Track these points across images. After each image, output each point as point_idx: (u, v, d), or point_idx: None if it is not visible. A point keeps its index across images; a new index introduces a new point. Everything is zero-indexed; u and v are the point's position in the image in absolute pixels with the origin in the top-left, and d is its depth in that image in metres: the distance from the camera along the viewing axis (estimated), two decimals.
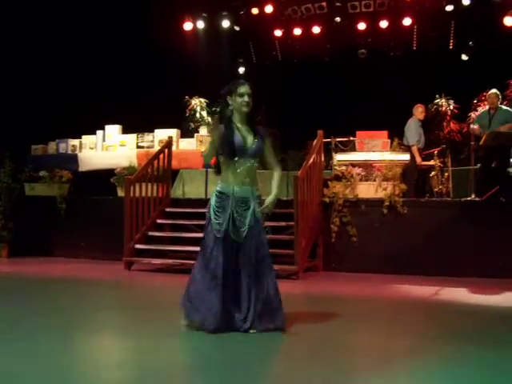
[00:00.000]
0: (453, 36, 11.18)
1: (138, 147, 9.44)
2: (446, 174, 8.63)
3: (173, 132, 9.20)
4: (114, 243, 7.64)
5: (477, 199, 7.18)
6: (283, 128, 9.98)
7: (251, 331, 3.72)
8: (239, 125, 3.89)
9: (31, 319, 4.24)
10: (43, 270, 7.35)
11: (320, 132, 7.65)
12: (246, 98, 3.85)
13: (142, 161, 8.68)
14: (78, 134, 9.74)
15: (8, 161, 8.60)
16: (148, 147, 9.33)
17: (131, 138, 9.52)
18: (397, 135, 8.42)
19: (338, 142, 8.69)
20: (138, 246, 7.39)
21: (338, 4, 10.82)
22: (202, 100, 10.96)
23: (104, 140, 9.60)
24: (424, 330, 4.09)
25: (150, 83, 10.39)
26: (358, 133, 8.66)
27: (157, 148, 8.83)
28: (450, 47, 11.28)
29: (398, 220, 7.11)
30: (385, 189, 7.28)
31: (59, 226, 8.53)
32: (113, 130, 9.63)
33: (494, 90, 7.84)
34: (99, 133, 9.62)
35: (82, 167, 9.48)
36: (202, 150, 8.50)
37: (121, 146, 9.50)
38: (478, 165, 7.96)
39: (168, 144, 8.37)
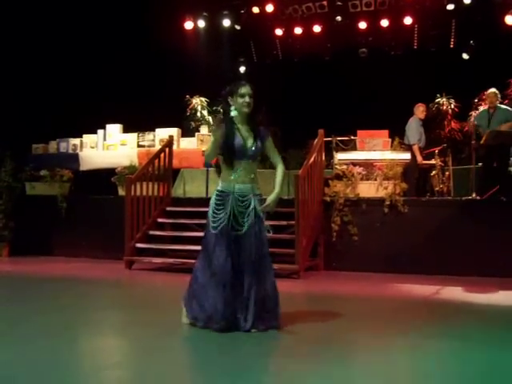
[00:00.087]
0: (454, 35, 11.17)
1: (139, 146, 9.45)
2: (447, 173, 8.63)
3: (174, 131, 9.21)
4: (114, 242, 7.65)
5: (478, 198, 7.18)
6: (284, 127, 10.01)
7: (253, 330, 3.72)
8: (240, 125, 3.89)
9: (31, 318, 4.23)
10: (44, 269, 7.35)
11: (321, 131, 7.64)
12: (246, 99, 3.85)
13: (142, 160, 8.68)
14: (78, 133, 9.75)
15: (9, 160, 8.60)
16: (149, 146, 9.34)
17: (132, 137, 9.54)
18: (398, 134, 8.42)
19: (339, 141, 8.67)
20: (138, 245, 7.39)
21: (338, 3, 10.84)
22: (203, 99, 11.00)
23: (105, 139, 9.61)
24: (425, 329, 4.08)
25: (150, 82, 10.40)
26: (358, 132, 8.66)
27: (158, 147, 8.83)
28: (451, 46, 11.28)
29: (398, 219, 7.11)
30: (386, 188, 7.27)
31: (60, 225, 8.53)
32: (114, 129, 9.64)
33: (492, 90, 7.84)
34: (100, 132, 9.63)
35: (83, 166, 9.48)
36: (203, 149, 8.51)
37: (122, 145, 9.51)
38: (480, 164, 7.96)
39: (169, 143, 8.36)
